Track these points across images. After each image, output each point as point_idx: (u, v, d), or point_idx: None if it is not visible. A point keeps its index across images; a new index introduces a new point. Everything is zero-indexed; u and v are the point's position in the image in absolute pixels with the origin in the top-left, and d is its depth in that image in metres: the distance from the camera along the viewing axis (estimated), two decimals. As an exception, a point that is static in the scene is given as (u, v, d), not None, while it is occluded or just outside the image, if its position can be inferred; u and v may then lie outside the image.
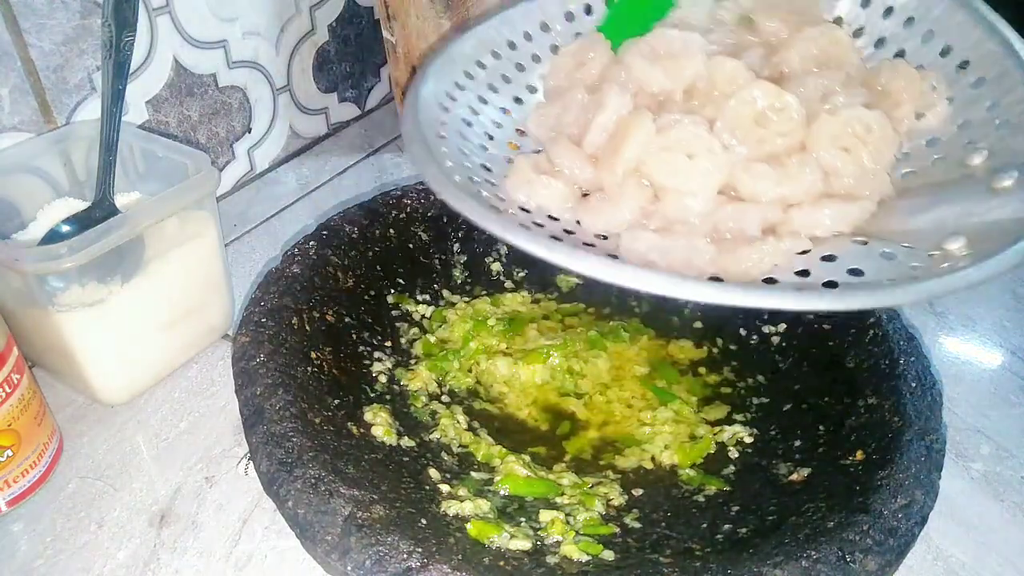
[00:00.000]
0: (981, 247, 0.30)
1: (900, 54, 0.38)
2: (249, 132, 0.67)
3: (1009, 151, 0.32)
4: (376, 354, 0.47)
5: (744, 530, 0.36)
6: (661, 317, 0.52)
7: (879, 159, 0.35)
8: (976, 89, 0.35)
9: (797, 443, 0.41)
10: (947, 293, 0.30)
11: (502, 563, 0.33)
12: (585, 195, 0.38)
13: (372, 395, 0.44)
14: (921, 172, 0.35)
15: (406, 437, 0.41)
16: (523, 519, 0.38)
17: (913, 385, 0.39)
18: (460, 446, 0.43)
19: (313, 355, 0.41)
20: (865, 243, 0.33)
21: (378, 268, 0.50)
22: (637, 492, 0.41)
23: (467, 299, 0.53)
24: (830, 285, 0.31)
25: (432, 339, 0.49)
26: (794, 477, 0.39)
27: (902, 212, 0.34)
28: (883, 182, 0.35)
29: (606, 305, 0.53)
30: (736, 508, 0.39)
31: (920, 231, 0.32)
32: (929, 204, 0.33)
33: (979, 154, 0.33)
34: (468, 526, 0.35)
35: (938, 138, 0.35)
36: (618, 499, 0.40)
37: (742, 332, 0.49)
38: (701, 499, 0.40)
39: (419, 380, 0.46)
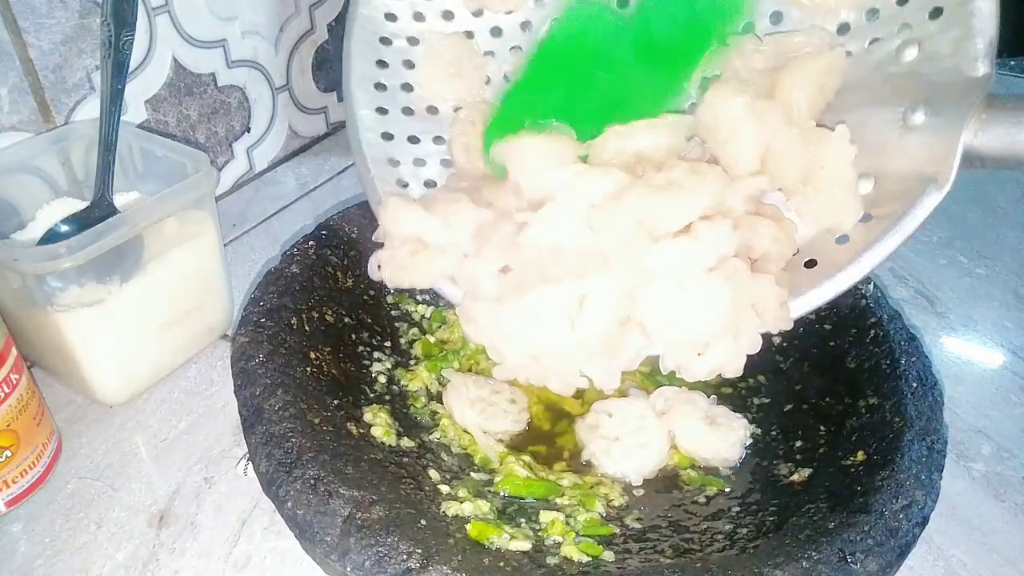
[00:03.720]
0: (882, 208, 0.32)
1: None
2: (248, 131, 0.67)
3: (936, 55, 0.32)
4: (376, 354, 0.46)
5: (744, 530, 0.36)
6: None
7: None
8: None
9: (798, 443, 0.41)
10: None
11: (502, 564, 0.33)
12: None
13: (372, 395, 0.44)
14: (857, 57, 0.35)
15: (406, 438, 0.41)
16: (523, 520, 0.37)
17: (914, 385, 0.39)
18: (460, 447, 0.42)
19: (312, 355, 0.41)
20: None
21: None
22: (638, 492, 0.40)
23: (467, 299, 0.53)
24: None
25: (432, 339, 0.49)
26: (795, 478, 0.39)
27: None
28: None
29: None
30: (736, 508, 0.38)
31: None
32: (853, 123, 0.34)
33: (912, 48, 0.33)
34: (468, 527, 0.35)
35: (877, 9, 0.35)
36: (618, 499, 0.40)
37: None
38: (701, 499, 0.40)
39: (419, 380, 0.46)
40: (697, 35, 0.38)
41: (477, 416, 0.43)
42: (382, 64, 0.40)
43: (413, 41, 0.40)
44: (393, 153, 0.40)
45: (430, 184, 0.40)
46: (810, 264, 0.35)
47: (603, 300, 0.34)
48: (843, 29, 0.35)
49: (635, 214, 0.33)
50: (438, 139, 0.41)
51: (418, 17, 0.40)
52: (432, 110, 0.41)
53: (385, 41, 0.40)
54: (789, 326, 0.34)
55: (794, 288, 0.34)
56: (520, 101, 0.40)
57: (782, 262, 0.35)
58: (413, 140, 0.40)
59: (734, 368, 0.34)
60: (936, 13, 0.32)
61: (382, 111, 0.40)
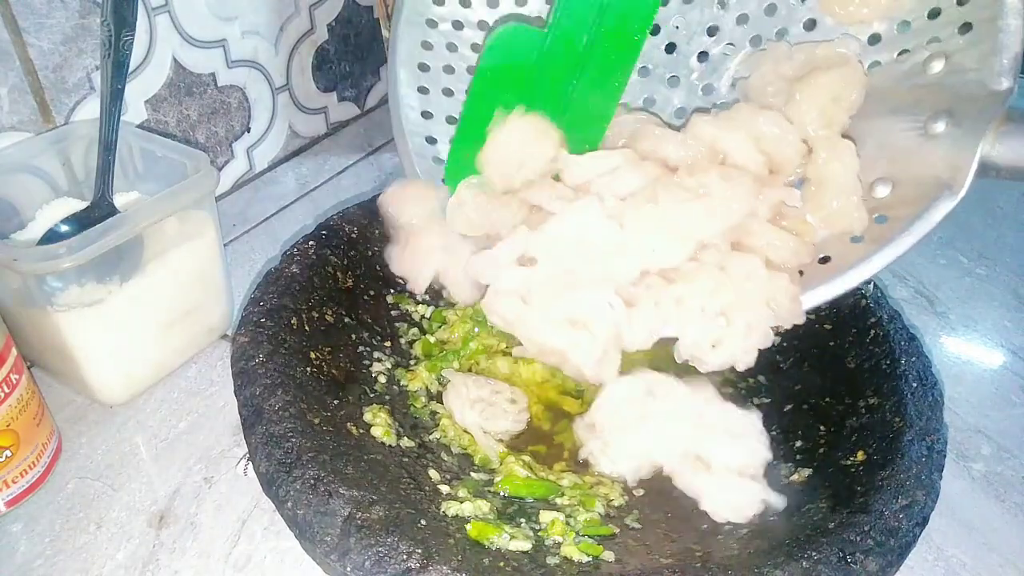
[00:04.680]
0: (897, 211, 0.34)
1: None
2: (248, 131, 0.67)
3: (962, 68, 0.33)
4: (376, 354, 0.46)
5: (744, 531, 0.36)
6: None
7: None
8: None
9: (798, 444, 0.41)
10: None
11: (502, 564, 0.33)
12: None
13: (372, 395, 0.44)
14: (885, 67, 0.36)
15: (406, 437, 0.41)
16: (523, 520, 0.37)
17: (914, 385, 0.39)
18: (460, 447, 0.42)
19: (312, 355, 0.41)
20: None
21: (377, 268, 0.50)
22: (638, 492, 0.40)
23: (467, 299, 0.53)
24: None
25: (432, 339, 0.49)
26: (795, 478, 0.39)
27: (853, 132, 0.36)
28: None
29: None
30: (736, 508, 0.38)
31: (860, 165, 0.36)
32: (876, 130, 0.35)
33: (939, 61, 0.34)
34: (468, 527, 0.35)
35: (909, 23, 0.35)
36: (619, 499, 0.40)
37: (742, 332, 0.49)
38: (702, 499, 0.40)
39: (419, 380, 0.46)
40: (617, 38, 0.39)
41: (477, 416, 0.43)
42: (427, 45, 0.42)
43: (458, 25, 0.42)
44: (431, 131, 0.43)
45: None
46: (824, 260, 0.36)
47: (645, 320, 0.36)
48: (874, 39, 0.36)
49: (668, 218, 0.35)
50: None
51: (464, 2, 0.42)
52: None
53: (431, 23, 0.42)
54: (802, 320, 0.35)
55: (806, 283, 0.35)
56: (472, 131, 0.42)
57: (797, 269, 0.36)
58: (451, 120, 0.42)
59: (746, 361, 0.36)
60: (966, 28, 0.33)
61: (423, 91, 0.42)
